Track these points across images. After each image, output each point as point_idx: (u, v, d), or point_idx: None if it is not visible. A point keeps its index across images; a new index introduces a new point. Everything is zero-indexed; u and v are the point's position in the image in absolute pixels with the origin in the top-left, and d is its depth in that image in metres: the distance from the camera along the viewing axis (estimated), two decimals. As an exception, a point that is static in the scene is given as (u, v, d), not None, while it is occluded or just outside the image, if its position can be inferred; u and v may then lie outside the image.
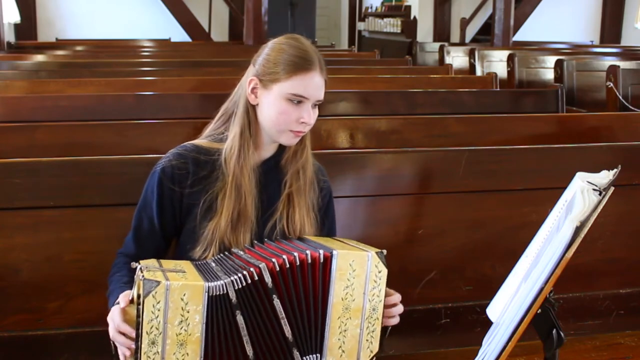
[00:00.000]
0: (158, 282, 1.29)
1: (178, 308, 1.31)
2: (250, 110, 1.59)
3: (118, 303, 1.38)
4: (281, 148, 1.64)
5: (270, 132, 1.58)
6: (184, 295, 1.31)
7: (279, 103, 1.53)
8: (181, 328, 1.32)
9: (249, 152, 1.57)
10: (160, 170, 1.57)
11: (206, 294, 1.33)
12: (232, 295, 1.35)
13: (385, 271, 1.43)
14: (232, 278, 1.36)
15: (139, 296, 1.31)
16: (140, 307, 1.30)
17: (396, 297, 1.52)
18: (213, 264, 1.46)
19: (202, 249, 1.54)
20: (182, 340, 1.32)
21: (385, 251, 1.44)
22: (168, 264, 1.44)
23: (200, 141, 1.63)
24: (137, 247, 1.60)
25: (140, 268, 1.35)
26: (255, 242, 1.55)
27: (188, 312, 1.31)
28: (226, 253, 1.51)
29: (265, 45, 1.60)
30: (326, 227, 1.71)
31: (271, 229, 1.59)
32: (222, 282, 1.35)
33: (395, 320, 1.52)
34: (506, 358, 1.30)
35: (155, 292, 1.28)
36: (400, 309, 1.53)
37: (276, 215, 1.60)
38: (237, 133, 1.57)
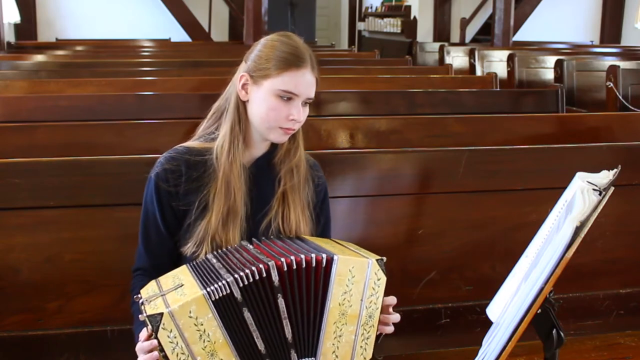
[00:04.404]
0: (161, 314, 1.29)
1: (191, 325, 1.31)
2: (241, 107, 1.59)
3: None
4: (273, 146, 1.64)
5: (259, 129, 1.57)
6: (191, 311, 1.30)
7: (269, 99, 1.53)
8: (204, 341, 1.32)
9: (239, 148, 1.57)
10: (155, 176, 1.57)
11: (209, 300, 1.32)
12: (237, 294, 1.34)
13: (384, 279, 1.42)
14: (235, 276, 1.34)
15: (152, 333, 1.31)
16: (157, 342, 1.30)
17: (392, 298, 1.51)
18: (214, 260, 1.45)
19: (194, 246, 1.54)
20: (210, 350, 1.32)
21: (385, 259, 1.43)
22: (166, 281, 1.43)
23: (192, 142, 1.63)
24: (150, 257, 1.60)
25: (142, 302, 1.36)
26: (264, 237, 1.54)
27: (202, 324, 1.31)
28: (232, 247, 1.50)
29: (258, 42, 1.60)
30: (321, 224, 1.70)
31: (266, 227, 1.59)
32: (223, 282, 1.34)
33: (390, 329, 1.50)
34: (506, 358, 1.30)
35: (163, 324, 1.29)
36: (397, 317, 1.51)
37: (271, 213, 1.59)
38: (228, 129, 1.58)
